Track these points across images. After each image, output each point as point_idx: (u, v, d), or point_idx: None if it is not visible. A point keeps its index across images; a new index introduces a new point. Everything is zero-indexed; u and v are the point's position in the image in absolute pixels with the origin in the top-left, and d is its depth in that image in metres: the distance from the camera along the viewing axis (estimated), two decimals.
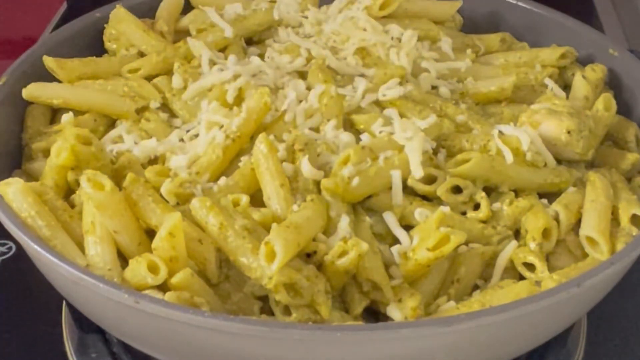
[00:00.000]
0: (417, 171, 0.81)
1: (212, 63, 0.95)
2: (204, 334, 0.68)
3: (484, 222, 0.82)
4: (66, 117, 0.89)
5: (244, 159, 0.83)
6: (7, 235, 0.79)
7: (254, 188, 0.81)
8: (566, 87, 1.01)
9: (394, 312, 0.74)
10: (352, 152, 0.80)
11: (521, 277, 0.80)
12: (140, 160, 0.86)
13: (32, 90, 0.93)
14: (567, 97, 0.96)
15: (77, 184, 0.82)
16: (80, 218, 0.79)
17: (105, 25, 1.03)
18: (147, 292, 0.71)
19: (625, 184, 0.89)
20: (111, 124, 0.93)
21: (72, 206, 0.82)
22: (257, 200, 0.81)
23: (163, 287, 0.72)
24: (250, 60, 0.96)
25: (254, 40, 1.04)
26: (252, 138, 0.84)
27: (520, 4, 1.11)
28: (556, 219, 0.82)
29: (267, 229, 0.76)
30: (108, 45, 1.03)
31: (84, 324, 0.88)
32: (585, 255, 0.82)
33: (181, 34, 1.03)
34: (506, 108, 0.94)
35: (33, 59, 0.97)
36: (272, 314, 0.75)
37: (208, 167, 0.83)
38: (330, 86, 0.88)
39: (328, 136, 0.85)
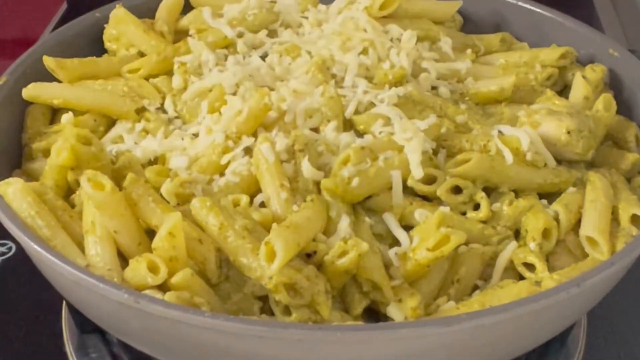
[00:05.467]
0: (417, 171, 0.81)
1: (212, 63, 0.95)
2: (204, 334, 0.68)
3: (484, 222, 0.82)
4: (66, 117, 0.89)
5: (244, 159, 0.83)
6: (7, 235, 0.79)
7: (254, 188, 0.81)
8: (566, 87, 1.01)
9: (394, 312, 0.74)
10: (352, 152, 0.80)
11: (521, 277, 0.80)
12: (140, 161, 0.86)
13: (32, 90, 0.93)
14: (567, 97, 0.96)
15: (77, 184, 0.82)
16: (80, 218, 0.79)
17: (105, 25, 1.03)
18: (147, 292, 0.71)
19: (625, 184, 0.89)
20: (111, 124, 0.93)
21: (72, 206, 0.82)
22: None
23: (163, 287, 0.73)
24: (250, 60, 0.96)
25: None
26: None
27: (520, 4, 1.11)
28: (556, 219, 0.82)
29: (267, 229, 0.76)
30: (108, 45, 1.03)
31: (84, 324, 0.88)
32: (585, 255, 0.82)
33: (181, 34, 1.03)
34: (506, 108, 0.94)
35: (33, 59, 0.97)
36: (272, 314, 0.75)
37: (208, 167, 0.83)
38: (330, 86, 0.88)
39: (328, 137, 0.85)
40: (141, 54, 1.00)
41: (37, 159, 0.90)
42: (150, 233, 0.77)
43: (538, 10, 1.09)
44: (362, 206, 0.82)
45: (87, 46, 1.04)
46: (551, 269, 0.79)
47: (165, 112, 0.93)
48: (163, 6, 1.06)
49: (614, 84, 1.00)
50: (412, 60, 0.95)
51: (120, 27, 1.01)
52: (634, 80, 0.98)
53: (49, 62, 0.96)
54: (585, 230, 0.82)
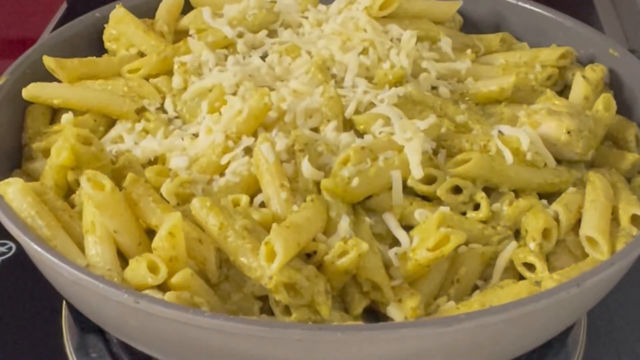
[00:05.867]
0: (417, 171, 0.81)
1: (212, 63, 0.95)
2: (204, 334, 0.68)
3: (484, 222, 0.82)
4: (66, 117, 0.89)
5: (244, 159, 0.83)
6: (7, 235, 0.79)
7: (254, 188, 0.81)
8: (566, 87, 1.01)
9: (394, 312, 0.74)
10: (352, 152, 0.80)
11: (521, 277, 0.80)
12: (140, 161, 0.86)
13: (32, 90, 0.93)
14: (567, 97, 0.96)
15: (77, 184, 0.82)
16: (80, 218, 0.79)
17: (105, 25, 1.03)
18: (147, 292, 0.71)
19: (625, 184, 0.89)
20: (111, 124, 0.93)
21: (72, 206, 0.82)
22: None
23: (163, 287, 0.73)
24: (250, 60, 0.96)
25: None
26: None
27: (520, 4, 1.11)
28: (556, 219, 0.82)
29: (267, 229, 0.76)
30: (108, 45, 1.03)
31: (84, 324, 0.88)
32: (585, 255, 0.82)
33: (181, 34, 1.03)
34: (506, 108, 0.94)
35: (33, 59, 0.97)
36: (272, 314, 0.75)
37: (208, 167, 0.83)
38: (330, 86, 0.88)
39: (328, 136, 0.85)
40: (141, 54, 1.00)
41: (37, 159, 0.90)
42: (150, 233, 0.77)
43: (538, 10, 1.09)
44: (362, 206, 0.82)
45: (87, 46, 1.04)
46: (551, 269, 0.79)
47: (165, 112, 0.93)
48: (163, 6, 1.06)
49: (614, 84, 1.00)
50: (412, 60, 0.95)
51: (120, 27, 1.01)
52: (634, 80, 0.98)
53: (49, 62, 0.96)
54: (585, 230, 0.82)
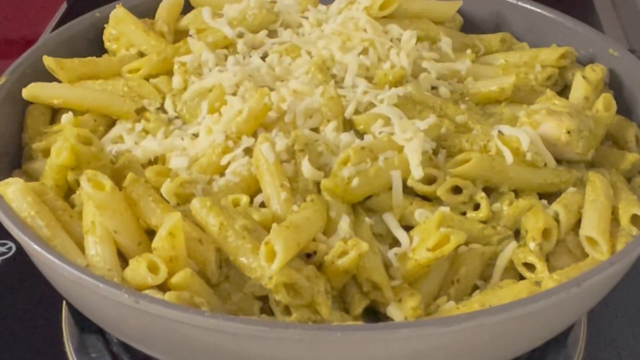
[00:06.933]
0: (417, 172, 0.81)
1: (212, 63, 0.95)
2: (204, 334, 0.68)
3: (484, 222, 0.82)
4: (66, 117, 0.89)
5: (244, 159, 0.83)
6: (7, 235, 0.79)
7: (254, 188, 0.81)
8: (566, 87, 1.01)
9: (394, 312, 0.74)
10: (352, 152, 0.80)
11: (521, 277, 0.80)
12: (140, 161, 0.86)
13: (32, 90, 0.93)
14: (567, 97, 0.96)
15: (77, 184, 0.82)
16: (80, 218, 0.79)
17: (105, 25, 1.04)
18: (147, 292, 0.71)
19: (625, 184, 0.89)
20: (111, 124, 0.93)
21: (72, 206, 0.82)
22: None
23: (163, 287, 0.73)
24: (250, 60, 0.96)
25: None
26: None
27: (520, 4, 1.11)
28: (556, 219, 0.82)
29: (267, 229, 0.76)
30: (108, 45, 1.03)
31: (84, 324, 0.89)
32: (585, 255, 0.82)
33: (181, 34, 1.03)
34: (506, 108, 0.94)
35: (33, 59, 0.97)
36: (272, 314, 0.75)
37: (208, 167, 0.83)
38: (330, 87, 0.88)
39: (328, 137, 0.85)
40: (141, 54, 1.00)
41: (37, 159, 0.90)
42: (150, 233, 0.77)
43: (538, 10, 1.09)
44: (362, 206, 0.82)
45: (87, 46, 1.04)
46: (551, 269, 0.79)
47: (165, 112, 0.93)
48: (163, 6, 1.06)
49: (614, 84, 1.00)
50: (412, 61, 0.95)
51: (120, 27, 1.01)
52: (634, 80, 0.98)
53: (49, 62, 0.96)
54: (585, 230, 0.82)
